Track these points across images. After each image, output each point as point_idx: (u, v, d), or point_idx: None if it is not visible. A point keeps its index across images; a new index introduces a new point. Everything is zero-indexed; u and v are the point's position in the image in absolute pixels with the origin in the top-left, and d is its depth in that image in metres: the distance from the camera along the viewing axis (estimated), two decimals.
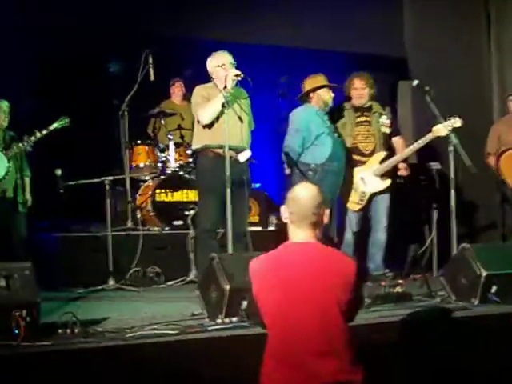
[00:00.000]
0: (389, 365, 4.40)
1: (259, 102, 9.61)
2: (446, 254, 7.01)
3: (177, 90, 9.07)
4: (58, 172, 7.17)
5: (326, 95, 6.86)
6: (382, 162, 7.03)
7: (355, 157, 7.06)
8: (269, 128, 9.85)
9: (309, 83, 6.91)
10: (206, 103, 6.10)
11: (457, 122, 6.50)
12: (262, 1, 8.93)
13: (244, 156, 5.77)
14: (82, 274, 7.15)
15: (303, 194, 3.42)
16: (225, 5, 8.55)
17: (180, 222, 7.81)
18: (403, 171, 7.12)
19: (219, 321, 4.82)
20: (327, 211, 3.44)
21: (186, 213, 7.70)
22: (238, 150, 5.84)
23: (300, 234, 3.40)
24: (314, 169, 6.68)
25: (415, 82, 6.62)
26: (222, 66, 6.19)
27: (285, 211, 3.45)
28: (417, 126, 9.17)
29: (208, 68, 6.34)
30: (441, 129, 6.53)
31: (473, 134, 7.48)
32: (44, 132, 6.92)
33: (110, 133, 8.17)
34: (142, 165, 8.23)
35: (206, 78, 6.41)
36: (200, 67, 6.54)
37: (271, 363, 3.32)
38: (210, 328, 4.69)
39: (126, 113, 8.00)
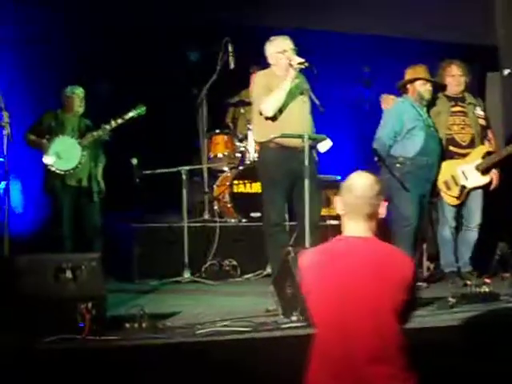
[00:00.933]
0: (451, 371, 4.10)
1: (342, 90, 9.47)
2: None
3: None
4: (134, 161, 7.04)
5: (422, 88, 6.54)
6: (484, 156, 6.66)
7: (452, 148, 6.68)
8: (351, 118, 9.62)
9: (408, 73, 6.65)
10: (268, 94, 5.82)
11: None
12: None
13: (325, 146, 5.50)
14: (158, 265, 7.04)
15: (359, 182, 3.12)
16: None
17: (258, 214, 7.52)
18: (495, 181, 6.73)
19: (294, 318, 4.58)
20: (384, 203, 3.15)
21: None
22: (318, 140, 5.55)
23: (354, 227, 3.12)
24: (402, 162, 6.41)
25: (507, 71, 6.23)
26: (283, 52, 5.90)
27: (339, 202, 3.16)
28: (507, 120, 8.72)
29: (267, 54, 6.06)
30: None
31: None
32: (119, 121, 6.78)
33: (188, 122, 7.98)
34: (220, 155, 8.04)
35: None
36: None
37: (317, 366, 3.06)
38: (283, 326, 4.46)
39: (204, 101, 7.83)
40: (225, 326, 4.40)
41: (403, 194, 6.37)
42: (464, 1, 9.03)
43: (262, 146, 6.07)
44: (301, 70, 5.83)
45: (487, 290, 5.25)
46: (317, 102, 5.47)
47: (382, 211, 3.14)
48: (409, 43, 9.23)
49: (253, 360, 4.02)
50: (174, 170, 7.18)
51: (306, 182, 5.33)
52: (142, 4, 8.04)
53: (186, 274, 6.92)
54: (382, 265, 3.03)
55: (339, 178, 8.49)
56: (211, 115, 7.96)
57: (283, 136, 5.59)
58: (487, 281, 5.42)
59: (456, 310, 4.98)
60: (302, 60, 5.70)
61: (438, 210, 6.76)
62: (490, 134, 6.89)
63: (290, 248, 4.81)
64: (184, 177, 7.14)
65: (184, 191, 7.11)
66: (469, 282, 5.40)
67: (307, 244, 5.29)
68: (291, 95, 5.73)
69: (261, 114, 5.89)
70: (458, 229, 6.72)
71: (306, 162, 5.33)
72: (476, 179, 6.66)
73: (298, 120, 5.64)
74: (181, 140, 8.03)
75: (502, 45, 9.18)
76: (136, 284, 6.79)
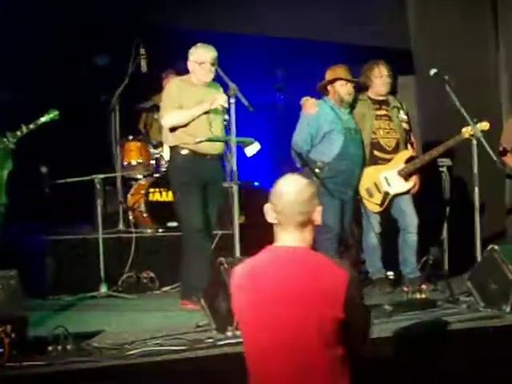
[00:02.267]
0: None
1: (256, 94, 9.24)
2: (460, 256, 6.61)
3: None
4: (44, 169, 6.63)
5: (342, 89, 6.37)
6: (407, 161, 6.53)
7: (376, 153, 6.54)
8: (265, 122, 9.41)
9: (328, 74, 6.47)
10: (174, 105, 5.78)
11: (486, 125, 6.22)
12: None
13: (252, 150, 5.25)
14: (71, 279, 6.64)
15: (288, 188, 2.83)
16: None
17: (175, 224, 7.24)
18: (417, 185, 6.62)
19: (229, 333, 4.31)
20: (319, 208, 2.86)
21: None
22: (246, 144, 5.31)
23: (286, 237, 2.83)
24: (320, 166, 6.22)
25: (433, 71, 6.13)
26: (200, 64, 5.82)
27: (269, 209, 2.87)
28: (422, 125, 8.65)
29: (188, 59, 5.93)
30: (470, 131, 6.19)
31: None
32: (32, 126, 6.31)
33: (99, 128, 7.61)
34: (134, 162, 7.67)
35: None
36: None
37: None
38: (220, 343, 4.17)
39: (116, 107, 7.47)
40: (157, 344, 4.09)
41: (323, 201, 6.18)
42: (377, 3, 8.92)
43: (173, 151, 5.98)
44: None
45: (424, 296, 5.10)
46: (245, 102, 5.24)
47: (317, 218, 2.86)
48: (323, 46, 9.10)
49: (190, 381, 3.73)
50: (88, 178, 6.79)
51: (235, 188, 5.08)
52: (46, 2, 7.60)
53: (103, 289, 6.54)
54: (309, 278, 2.73)
55: (257, 184, 8.31)
56: (124, 121, 7.61)
57: (209, 140, 5.39)
58: (424, 287, 5.26)
59: (395, 318, 4.80)
60: (225, 105, 5.62)
61: (362, 216, 6.61)
62: (412, 138, 6.81)
63: (222, 258, 4.53)
64: (98, 186, 6.77)
65: (98, 201, 6.73)
66: (405, 289, 5.23)
67: (237, 254, 5.04)
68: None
69: None
70: (382, 234, 6.58)
71: (235, 168, 5.09)
72: (399, 185, 6.54)
73: (208, 125, 5.69)
74: (92, 148, 7.64)
75: (414, 48, 9.17)
76: (49, 300, 6.37)
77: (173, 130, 5.83)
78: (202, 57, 5.79)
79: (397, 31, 9.16)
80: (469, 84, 8.88)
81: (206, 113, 5.74)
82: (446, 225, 6.95)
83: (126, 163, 7.65)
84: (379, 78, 6.63)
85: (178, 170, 5.92)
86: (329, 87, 6.44)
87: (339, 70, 6.43)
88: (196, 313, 5.00)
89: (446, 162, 7.11)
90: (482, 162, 6.19)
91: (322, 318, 2.69)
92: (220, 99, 5.69)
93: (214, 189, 5.88)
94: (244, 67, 8.09)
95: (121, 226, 7.37)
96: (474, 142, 6.06)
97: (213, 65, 5.75)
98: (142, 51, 7.44)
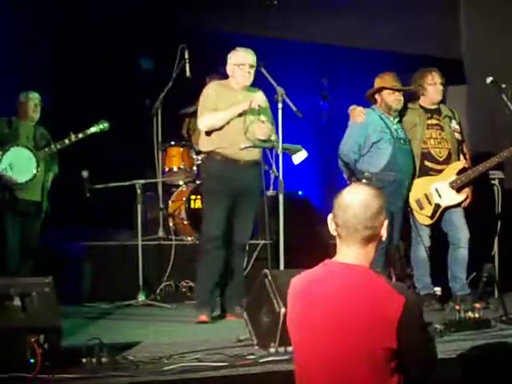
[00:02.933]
0: None
1: (301, 102, 9.04)
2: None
3: None
4: (85, 174, 6.47)
5: (389, 97, 6.14)
6: (459, 172, 6.26)
7: (428, 163, 6.27)
8: (311, 131, 9.19)
9: (376, 82, 6.25)
10: (212, 109, 5.60)
11: None
12: None
13: (299, 157, 5.02)
14: (109, 287, 6.56)
15: (353, 199, 2.57)
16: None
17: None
18: (469, 198, 6.35)
19: (272, 350, 4.10)
20: (386, 223, 2.60)
21: None
22: (293, 151, 5.08)
23: (345, 252, 2.59)
24: (368, 177, 6.00)
25: (490, 79, 5.86)
26: (239, 66, 5.64)
27: (331, 221, 2.63)
28: (472, 135, 8.38)
29: (227, 63, 5.76)
30: None
31: None
32: (80, 135, 6.34)
33: (141, 133, 7.45)
34: (175, 168, 7.46)
35: None
36: None
37: None
38: (263, 360, 3.95)
39: (159, 111, 7.32)
40: (196, 359, 3.88)
41: None
42: (428, 12, 8.68)
43: (207, 157, 5.82)
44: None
45: (477, 315, 4.82)
46: (293, 107, 5.02)
47: (384, 233, 2.60)
48: (370, 54, 8.88)
49: None
50: (128, 183, 6.64)
51: (281, 197, 4.87)
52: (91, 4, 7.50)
53: (141, 297, 6.38)
54: (363, 303, 2.48)
55: (300, 193, 8.10)
56: (167, 126, 7.44)
57: (254, 146, 5.17)
58: (477, 305, 4.98)
59: (447, 338, 4.53)
60: (261, 103, 5.48)
61: (411, 228, 6.36)
62: (465, 149, 6.54)
63: (267, 270, 4.30)
64: (138, 191, 6.61)
65: (139, 207, 6.57)
66: (457, 307, 4.96)
67: (281, 266, 4.82)
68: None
69: None
70: (431, 248, 6.32)
71: (280, 177, 4.88)
72: (450, 197, 6.27)
73: (245, 129, 5.49)
74: (135, 152, 7.48)
75: (465, 57, 8.93)
76: (86, 307, 6.24)
77: (208, 134, 5.66)
78: (240, 59, 5.63)
79: (448, 41, 8.95)
80: None
81: (240, 115, 5.53)
82: (496, 239, 6.70)
83: (167, 169, 7.47)
84: (433, 86, 6.37)
85: (209, 177, 5.78)
86: (376, 95, 6.21)
87: (387, 78, 6.19)
88: (237, 324, 4.79)
89: (498, 174, 6.89)
90: None
91: (373, 346, 2.46)
92: (258, 98, 5.51)
93: (248, 197, 5.63)
94: (289, 73, 7.93)
95: (161, 234, 7.20)
96: None
97: (252, 67, 5.59)
98: (187, 56, 7.26)
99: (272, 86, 5.32)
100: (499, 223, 6.71)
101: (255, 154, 5.61)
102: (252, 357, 4.00)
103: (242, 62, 5.62)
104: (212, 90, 5.74)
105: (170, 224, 7.30)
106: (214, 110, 5.60)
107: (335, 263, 2.61)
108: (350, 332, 2.47)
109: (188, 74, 7.26)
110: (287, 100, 5.10)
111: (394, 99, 6.17)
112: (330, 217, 2.63)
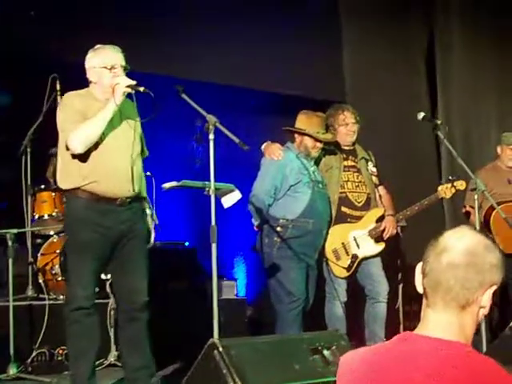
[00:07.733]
0: None
1: (176, 143, 8.30)
2: None
3: None
4: None
5: (310, 143, 5.55)
6: (378, 220, 5.71)
7: (344, 209, 5.67)
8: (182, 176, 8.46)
9: (300, 120, 5.59)
10: (79, 124, 4.27)
11: (463, 184, 5.70)
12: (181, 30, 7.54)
13: (231, 199, 4.20)
14: None
15: (454, 246, 1.86)
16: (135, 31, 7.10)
17: (96, 289, 6.11)
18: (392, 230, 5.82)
19: None
20: (492, 289, 1.90)
21: (104, 277, 5.97)
22: (223, 191, 4.24)
23: (433, 320, 1.88)
24: (283, 225, 5.34)
25: (421, 115, 5.36)
26: (110, 68, 4.36)
27: (418, 274, 1.93)
28: None
29: (86, 66, 4.48)
30: (446, 190, 5.67)
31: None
32: None
33: (9, 175, 6.44)
34: (46, 216, 6.49)
35: None
36: None
37: None
38: None
39: (28, 149, 6.34)
40: None
41: (286, 265, 5.30)
42: (311, 55, 8.26)
43: (69, 196, 4.49)
44: (129, 96, 4.38)
45: None
46: (235, 139, 4.13)
47: (487, 303, 1.90)
48: (251, 95, 8.31)
49: None
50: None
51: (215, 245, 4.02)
52: None
53: (12, 370, 5.36)
54: None
55: (187, 244, 7.30)
56: (36, 166, 6.47)
57: (181, 186, 4.24)
58: None
59: None
60: (133, 82, 4.25)
61: (326, 282, 5.72)
62: (381, 191, 5.98)
63: (216, 340, 3.45)
64: (10, 242, 5.58)
65: (10, 261, 5.55)
66: None
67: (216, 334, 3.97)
68: (115, 126, 4.36)
69: (67, 149, 4.32)
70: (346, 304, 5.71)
71: (213, 222, 4.04)
72: (369, 247, 5.71)
73: (122, 161, 4.35)
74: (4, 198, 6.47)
75: (349, 99, 8.57)
76: None
77: (72, 163, 4.33)
78: (110, 59, 4.40)
79: (330, 82, 8.57)
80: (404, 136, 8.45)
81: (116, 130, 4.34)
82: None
83: (36, 216, 6.47)
84: (344, 127, 5.81)
85: (73, 224, 4.44)
86: (296, 135, 5.56)
87: (314, 122, 5.54)
88: None
89: (401, 222, 6.48)
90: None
91: None
92: (123, 80, 4.27)
93: (133, 244, 4.46)
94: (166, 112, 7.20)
95: (30, 292, 6.23)
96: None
97: (125, 69, 4.40)
98: (58, 87, 6.37)
99: (197, 114, 4.38)
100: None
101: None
102: None
103: (112, 62, 4.37)
104: (75, 99, 4.42)
105: (40, 280, 6.30)
106: (82, 120, 4.30)
107: (418, 337, 1.86)
108: None
109: None
110: (224, 130, 4.20)
111: (315, 147, 5.55)
112: (418, 267, 1.92)
